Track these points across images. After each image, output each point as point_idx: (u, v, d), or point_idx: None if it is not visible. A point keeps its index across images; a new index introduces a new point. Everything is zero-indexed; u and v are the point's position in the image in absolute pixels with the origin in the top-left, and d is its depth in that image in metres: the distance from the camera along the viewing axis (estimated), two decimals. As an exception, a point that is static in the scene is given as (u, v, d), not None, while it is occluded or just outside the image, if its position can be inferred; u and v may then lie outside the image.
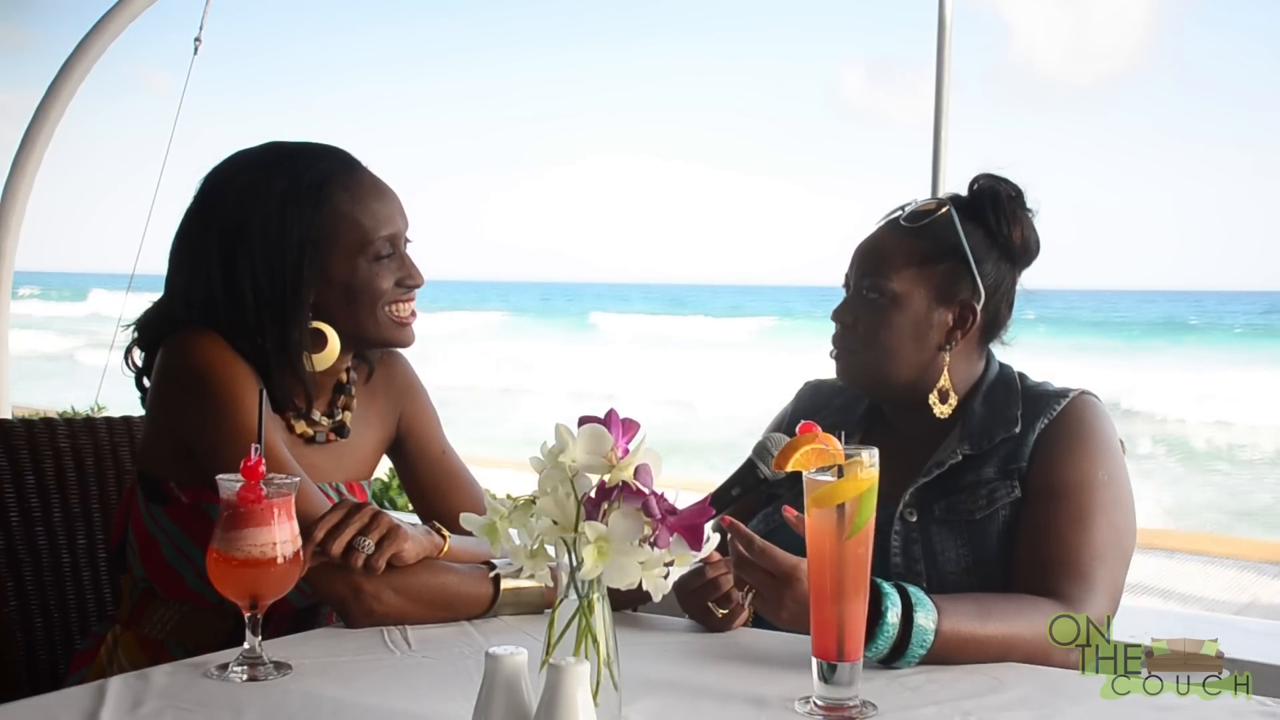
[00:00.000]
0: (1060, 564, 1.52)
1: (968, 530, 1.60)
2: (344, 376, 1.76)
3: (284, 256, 1.61)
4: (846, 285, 1.73)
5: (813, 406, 1.83)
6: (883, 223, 1.74)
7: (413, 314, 1.71)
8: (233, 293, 1.61)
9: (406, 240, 1.71)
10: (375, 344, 1.72)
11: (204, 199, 1.68)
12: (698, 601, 1.55)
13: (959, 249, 1.66)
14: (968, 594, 1.49)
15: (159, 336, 1.66)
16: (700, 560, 1.59)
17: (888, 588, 1.34)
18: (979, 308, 1.67)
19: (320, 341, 1.66)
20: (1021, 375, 1.74)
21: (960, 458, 1.64)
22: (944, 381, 1.68)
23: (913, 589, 1.38)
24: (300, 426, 1.69)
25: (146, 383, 1.69)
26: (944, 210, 1.68)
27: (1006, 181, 1.72)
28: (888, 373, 1.68)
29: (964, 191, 1.74)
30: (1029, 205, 1.72)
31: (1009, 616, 1.43)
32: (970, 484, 1.62)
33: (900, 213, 1.72)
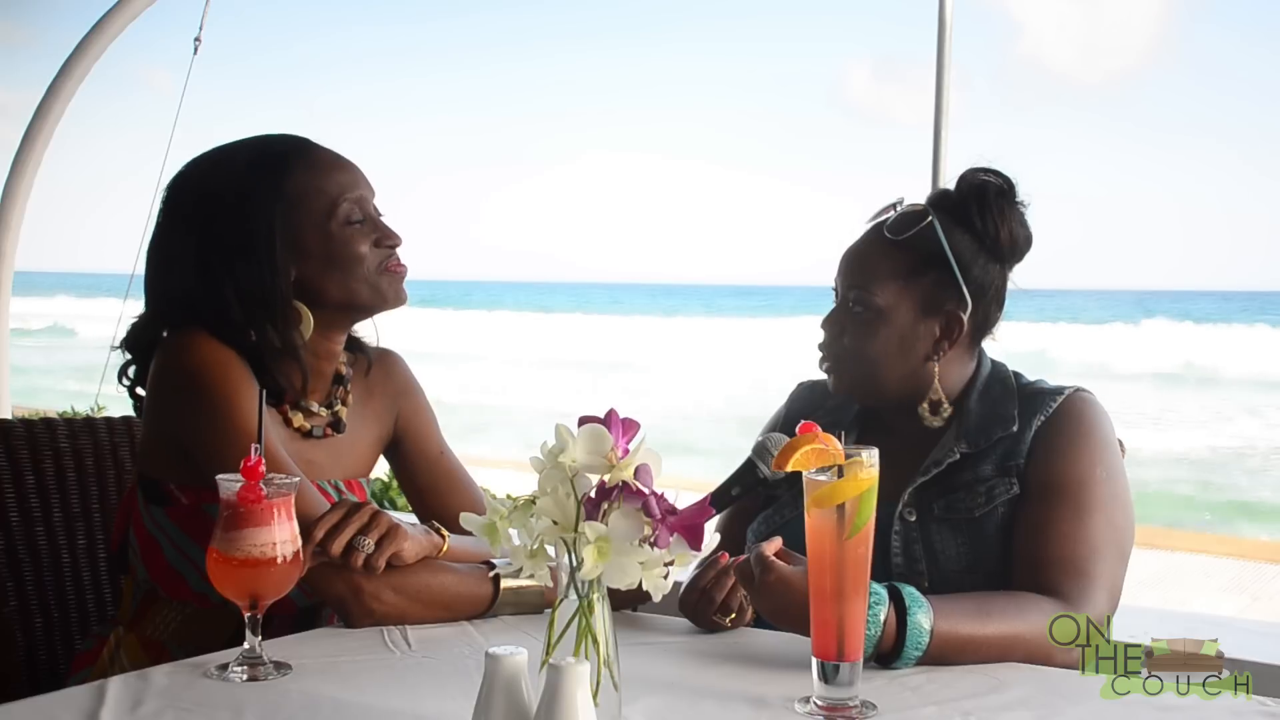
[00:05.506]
0: (1059, 561, 1.52)
1: (967, 528, 1.60)
2: (340, 368, 1.76)
3: (255, 240, 1.62)
4: (836, 292, 1.73)
5: (807, 407, 1.82)
6: (868, 227, 1.72)
7: (400, 265, 1.69)
8: (211, 284, 1.62)
9: (377, 210, 1.71)
10: (370, 307, 1.71)
11: (169, 204, 1.70)
12: (702, 614, 1.54)
13: (944, 258, 1.64)
14: (966, 594, 1.49)
15: (149, 345, 1.66)
16: (699, 564, 1.60)
17: (875, 586, 1.34)
18: (965, 317, 1.66)
19: (296, 318, 1.65)
20: (1016, 374, 1.73)
21: (958, 456, 1.64)
22: (935, 393, 1.67)
23: (908, 590, 1.37)
24: (297, 419, 1.69)
25: (140, 391, 1.69)
26: (927, 221, 1.65)
27: (995, 175, 1.68)
28: (876, 384, 1.68)
29: (954, 188, 1.70)
30: (1020, 198, 1.68)
31: (1009, 616, 1.42)
32: (968, 482, 1.62)
33: (886, 217, 1.69)
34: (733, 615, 1.53)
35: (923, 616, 1.35)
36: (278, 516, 1.33)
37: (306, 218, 1.64)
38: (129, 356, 1.71)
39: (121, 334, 1.72)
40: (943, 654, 1.36)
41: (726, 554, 1.54)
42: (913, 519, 1.62)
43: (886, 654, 1.35)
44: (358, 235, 1.66)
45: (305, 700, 1.24)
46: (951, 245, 1.65)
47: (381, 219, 1.71)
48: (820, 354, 1.72)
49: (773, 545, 1.42)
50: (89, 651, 1.70)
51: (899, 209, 1.69)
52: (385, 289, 1.68)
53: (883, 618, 1.33)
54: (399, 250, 1.70)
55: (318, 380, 1.72)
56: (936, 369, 1.67)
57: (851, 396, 1.74)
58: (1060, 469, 1.59)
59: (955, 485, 1.63)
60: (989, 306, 1.70)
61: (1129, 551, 1.58)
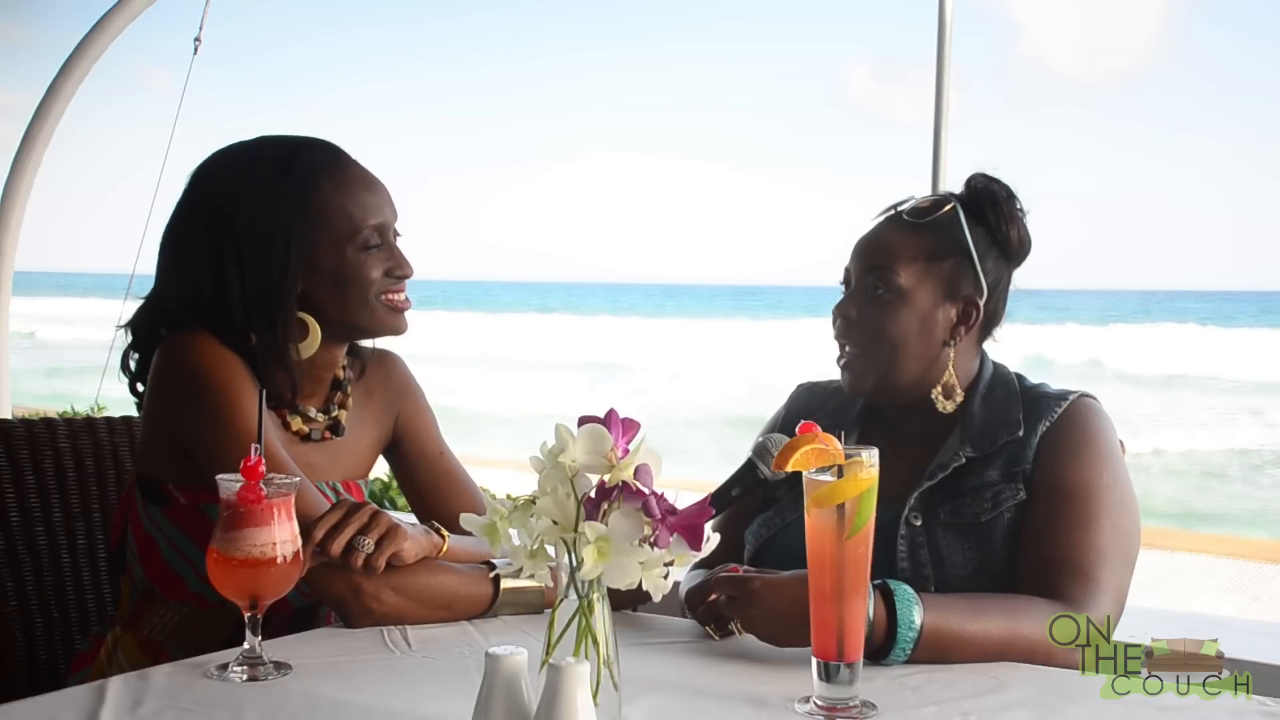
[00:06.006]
0: (1065, 566, 1.51)
1: (973, 533, 1.60)
2: (340, 373, 1.76)
3: (271, 245, 1.62)
4: (846, 281, 1.73)
5: (807, 408, 1.81)
6: (882, 218, 1.73)
7: (406, 301, 1.70)
8: (221, 282, 1.62)
9: (396, 233, 1.71)
10: (369, 332, 1.72)
11: (192, 191, 1.69)
12: (701, 620, 1.54)
13: (964, 245, 1.67)
14: (963, 593, 1.49)
15: (152, 334, 1.67)
16: (702, 568, 1.60)
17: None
18: (982, 304, 1.68)
19: (302, 331, 1.66)
20: (1019, 376, 1.73)
21: (963, 460, 1.64)
22: (949, 377, 1.68)
23: (899, 585, 1.38)
24: (296, 423, 1.69)
25: (140, 387, 1.69)
26: (950, 206, 1.68)
27: (999, 182, 1.72)
28: (895, 369, 1.67)
29: (960, 189, 1.74)
30: (1020, 207, 1.72)
31: (1002, 613, 1.42)
32: (974, 487, 1.62)
33: (900, 208, 1.72)
34: (722, 634, 1.52)
35: (912, 609, 1.35)
36: (278, 516, 1.33)
37: (325, 235, 1.64)
38: (131, 340, 1.71)
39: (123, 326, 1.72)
40: (937, 647, 1.36)
41: (738, 566, 1.54)
42: (918, 524, 1.62)
43: (879, 648, 1.35)
44: (371, 260, 1.66)
45: (305, 700, 1.24)
46: (969, 234, 1.67)
47: (399, 240, 1.71)
48: (838, 351, 1.72)
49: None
50: (87, 652, 1.70)
51: (909, 206, 1.72)
52: (383, 318, 1.68)
53: (871, 613, 1.33)
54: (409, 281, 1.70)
55: (316, 387, 1.73)
56: (952, 356, 1.68)
57: (862, 392, 1.73)
58: (1067, 474, 1.59)
59: (961, 490, 1.63)
60: (997, 303, 1.72)
61: (1135, 557, 1.58)
